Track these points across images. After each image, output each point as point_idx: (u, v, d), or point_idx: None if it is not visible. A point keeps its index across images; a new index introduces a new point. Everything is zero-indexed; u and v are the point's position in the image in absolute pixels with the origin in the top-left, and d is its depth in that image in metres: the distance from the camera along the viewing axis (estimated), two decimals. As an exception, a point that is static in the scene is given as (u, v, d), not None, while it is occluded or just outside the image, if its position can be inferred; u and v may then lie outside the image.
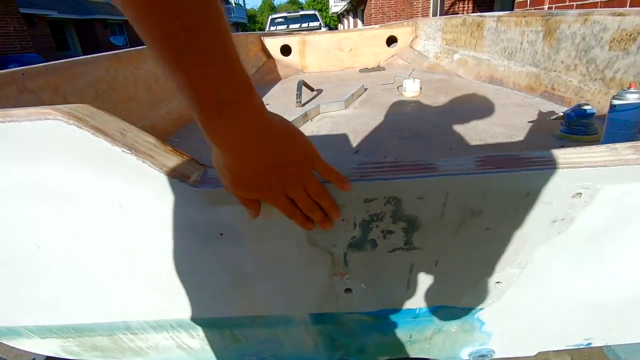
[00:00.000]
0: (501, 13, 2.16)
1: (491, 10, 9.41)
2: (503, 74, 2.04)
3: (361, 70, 3.35)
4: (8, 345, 0.72)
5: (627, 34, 1.22)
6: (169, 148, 0.41)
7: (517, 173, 0.39)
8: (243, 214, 0.43)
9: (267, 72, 3.29)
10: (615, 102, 0.86)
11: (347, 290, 0.56)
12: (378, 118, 1.63)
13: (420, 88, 2.01)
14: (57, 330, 0.65)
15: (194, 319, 0.62)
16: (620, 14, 1.26)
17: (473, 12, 9.44)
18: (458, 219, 0.44)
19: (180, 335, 0.66)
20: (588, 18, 1.42)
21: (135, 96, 1.42)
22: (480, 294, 0.57)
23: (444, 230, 0.46)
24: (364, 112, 1.79)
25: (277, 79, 3.32)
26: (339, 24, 28.80)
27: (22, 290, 0.56)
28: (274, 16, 10.41)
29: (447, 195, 0.41)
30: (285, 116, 1.69)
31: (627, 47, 1.22)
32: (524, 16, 1.88)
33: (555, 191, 0.40)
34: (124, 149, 0.37)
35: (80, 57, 1.16)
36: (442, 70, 2.80)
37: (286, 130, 0.39)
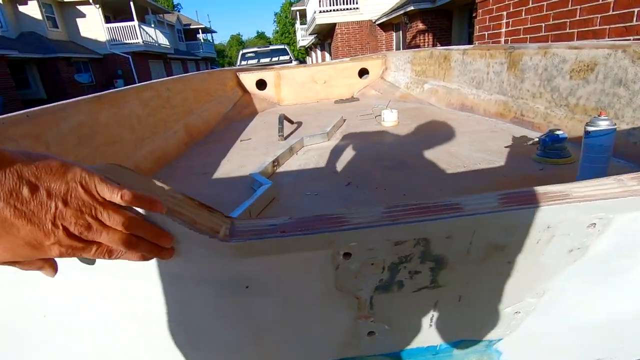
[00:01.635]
0: (466, 47, 2.33)
1: (449, 43, 10.12)
2: (473, 102, 2.17)
3: (336, 101, 3.45)
4: None
5: (585, 65, 1.35)
6: (196, 203, 0.40)
7: (539, 208, 0.41)
8: (271, 264, 0.42)
9: (244, 106, 3.32)
10: (589, 128, 0.93)
11: (370, 332, 0.55)
12: (361, 148, 1.67)
13: (397, 117, 2.09)
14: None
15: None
16: (576, 47, 1.39)
17: (433, 45, 10.12)
18: (482, 255, 0.45)
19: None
20: (548, 51, 1.55)
21: (120, 138, 1.38)
22: (499, 325, 0.57)
23: (468, 266, 0.47)
24: (346, 142, 1.82)
25: (254, 112, 3.35)
26: (307, 57, 29.86)
27: None
28: (244, 51, 10.63)
29: (473, 233, 0.42)
30: (269, 150, 1.70)
31: (586, 77, 1.34)
32: (488, 49, 2.03)
33: (573, 223, 0.42)
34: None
35: (62, 102, 1.12)
36: (414, 99, 2.93)
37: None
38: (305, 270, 0.43)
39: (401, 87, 3.27)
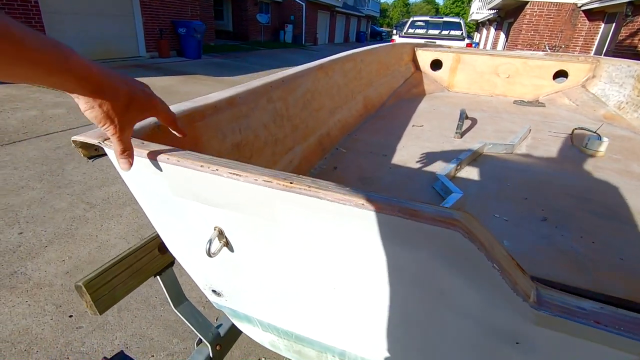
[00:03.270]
0: None
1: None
2: None
3: (516, 102, 3.07)
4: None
5: None
6: (515, 263, 0.42)
7: None
8: (566, 341, 0.42)
9: (413, 84, 3.24)
10: None
11: None
12: (557, 178, 1.47)
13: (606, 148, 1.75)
14: (280, 331, 0.75)
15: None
16: None
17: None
18: None
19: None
20: None
21: (323, 105, 1.52)
22: None
23: None
24: (535, 163, 1.63)
25: (422, 93, 3.25)
26: (476, 33, 26.81)
27: (282, 302, 0.65)
28: (415, 18, 10.15)
29: None
30: (444, 146, 1.63)
31: None
32: None
33: None
34: (494, 265, 0.38)
35: (300, 70, 1.28)
36: (626, 124, 2.39)
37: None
38: (592, 357, 0.42)
39: (609, 105, 2.69)
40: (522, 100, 3.10)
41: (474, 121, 2.29)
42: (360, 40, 28.87)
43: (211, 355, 0.96)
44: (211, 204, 0.51)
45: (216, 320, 1.08)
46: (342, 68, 1.75)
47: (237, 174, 0.45)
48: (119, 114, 0.45)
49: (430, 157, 1.60)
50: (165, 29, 9.56)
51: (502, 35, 16.19)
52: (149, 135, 0.61)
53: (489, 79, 3.36)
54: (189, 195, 0.52)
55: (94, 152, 0.57)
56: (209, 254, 0.54)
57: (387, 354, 0.62)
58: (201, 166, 0.46)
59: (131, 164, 0.49)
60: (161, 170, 0.50)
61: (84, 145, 0.55)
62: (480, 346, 0.49)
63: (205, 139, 0.77)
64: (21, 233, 2.15)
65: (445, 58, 3.46)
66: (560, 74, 3.23)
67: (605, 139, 1.74)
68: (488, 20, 20.06)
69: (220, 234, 0.55)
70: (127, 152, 0.49)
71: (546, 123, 2.39)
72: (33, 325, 1.55)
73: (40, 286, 1.76)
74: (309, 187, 0.42)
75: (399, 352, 0.60)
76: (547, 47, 10.81)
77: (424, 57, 3.50)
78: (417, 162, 1.55)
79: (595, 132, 1.82)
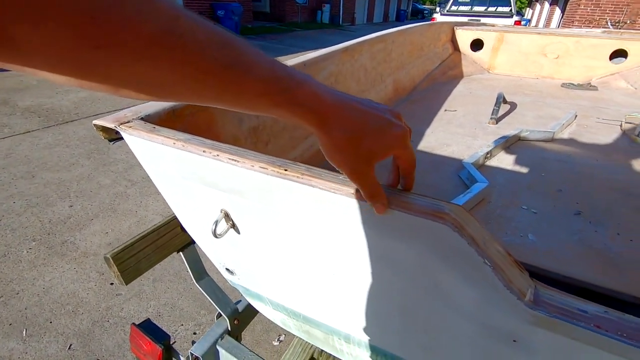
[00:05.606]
0: None
1: None
2: None
3: (564, 85, 2.83)
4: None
5: None
6: (512, 259, 0.40)
7: None
8: (562, 343, 0.41)
9: (450, 66, 3.08)
10: None
11: None
12: (600, 169, 1.36)
13: (663, 137, 1.59)
14: (289, 311, 0.78)
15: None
16: None
17: None
18: None
19: (385, 362, 0.71)
20: None
21: (349, 88, 1.50)
22: None
23: None
24: (577, 152, 1.51)
25: (460, 75, 3.09)
26: (528, 8, 24.80)
27: (288, 284, 0.67)
28: (460, -7, 9.57)
29: None
30: (476, 132, 1.54)
31: None
32: None
33: None
34: (486, 261, 0.37)
35: (323, 53, 1.26)
36: (691, 111, 2.14)
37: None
38: (584, 357, 0.40)
39: (675, 88, 2.41)
40: (571, 83, 2.86)
41: (513, 106, 2.15)
42: (400, 19, 27.68)
43: (229, 328, 1.01)
44: (216, 187, 0.53)
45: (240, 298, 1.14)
46: (370, 50, 1.70)
47: (235, 160, 0.46)
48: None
49: (459, 144, 1.53)
50: (204, 12, 9.76)
51: (558, 11, 14.85)
52: (163, 120, 0.64)
53: (535, 60, 3.11)
54: (196, 179, 0.55)
55: (114, 135, 0.61)
56: (215, 235, 0.56)
57: (387, 342, 0.63)
58: (203, 151, 0.48)
59: (385, 207, 0.39)
60: (170, 154, 0.53)
61: (104, 129, 0.59)
62: (477, 342, 0.48)
63: (220, 124, 0.79)
64: (71, 206, 2.36)
65: (487, 37, 3.24)
66: (619, 54, 2.92)
67: (662, 128, 1.57)
68: (543, -6, 18.44)
69: (227, 216, 0.58)
70: (375, 198, 0.38)
71: (596, 108, 2.20)
72: (79, 290, 1.72)
73: (86, 255, 1.94)
74: (303, 174, 0.43)
75: (397, 341, 0.60)
76: (609, 24, 9.75)
77: (464, 37, 3.30)
78: (445, 149, 1.49)
79: (651, 120, 1.65)
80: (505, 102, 2.11)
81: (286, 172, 0.43)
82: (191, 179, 0.55)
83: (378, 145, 0.37)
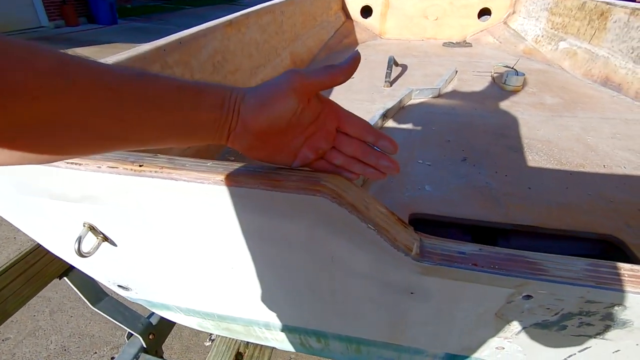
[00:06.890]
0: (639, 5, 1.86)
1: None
2: (624, 79, 1.80)
3: (445, 44, 3.10)
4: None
5: None
6: (396, 217, 0.40)
7: None
8: (449, 286, 0.43)
9: (345, 34, 3.14)
10: None
11: (500, 347, 0.56)
12: (478, 116, 1.53)
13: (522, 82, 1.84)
14: (202, 313, 0.72)
15: (325, 333, 0.66)
16: None
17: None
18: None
19: (309, 339, 0.71)
20: None
21: (241, 65, 1.41)
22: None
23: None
24: (459, 104, 1.67)
25: (355, 43, 3.17)
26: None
27: (190, 287, 0.61)
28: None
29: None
30: (374, 97, 1.61)
31: None
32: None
33: None
34: (369, 225, 0.36)
35: (202, 28, 1.15)
36: (541, 57, 2.52)
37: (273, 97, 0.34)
38: (476, 296, 0.44)
39: (528, 39, 2.80)
40: (451, 42, 3.14)
41: (404, 68, 2.29)
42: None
43: (144, 346, 0.92)
44: (67, 199, 0.44)
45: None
46: (258, 22, 1.62)
47: (76, 164, 0.37)
48: None
49: (359, 110, 1.57)
50: (69, -8, 8.30)
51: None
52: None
53: (418, 22, 3.34)
54: (41, 193, 0.44)
55: None
56: (81, 254, 0.47)
57: (304, 319, 0.62)
58: (33, 159, 0.38)
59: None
60: None
61: None
62: (381, 300, 0.49)
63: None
64: None
65: (375, 3, 3.36)
66: (485, 12, 3.28)
67: (521, 74, 1.82)
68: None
69: (93, 229, 0.49)
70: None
71: (472, 63, 2.45)
72: (-50, 347, 1.40)
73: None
74: (161, 168, 0.37)
75: (313, 317, 0.60)
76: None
77: (353, 4, 3.37)
78: (346, 116, 1.52)
79: (512, 68, 1.89)
80: (396, 64, 2.23)
81: (142, 167, 0.37)
82: (34, 194, 0.45)
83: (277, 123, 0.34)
